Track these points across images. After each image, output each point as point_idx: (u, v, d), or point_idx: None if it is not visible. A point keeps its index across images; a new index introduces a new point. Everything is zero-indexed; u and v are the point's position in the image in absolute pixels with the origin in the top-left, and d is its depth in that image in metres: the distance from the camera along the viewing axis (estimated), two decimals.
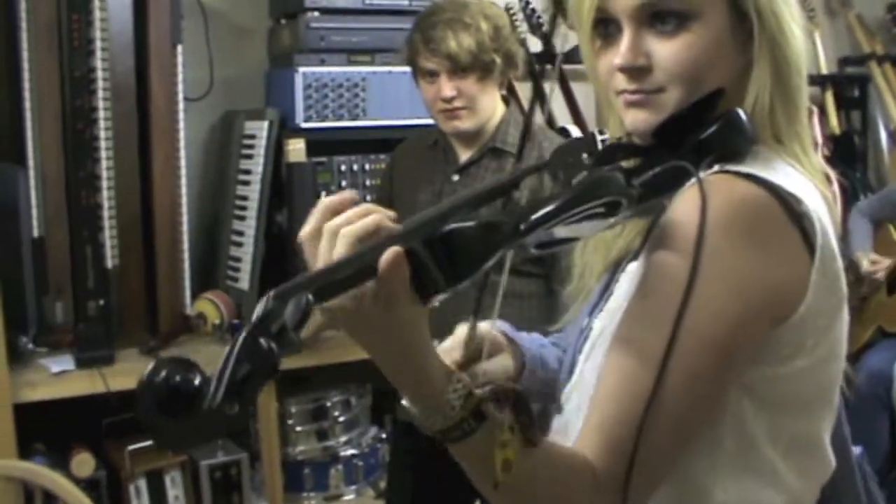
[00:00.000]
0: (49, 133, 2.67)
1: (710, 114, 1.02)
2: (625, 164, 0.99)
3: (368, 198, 2.82)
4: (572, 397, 1.11)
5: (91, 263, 2.70)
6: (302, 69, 2.91)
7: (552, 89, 3.27)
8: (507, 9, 3.16)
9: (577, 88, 3.41)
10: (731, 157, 1.01)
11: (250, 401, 0.79)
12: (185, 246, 2.86)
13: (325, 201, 0.91)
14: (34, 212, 2.66)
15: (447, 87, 2.25)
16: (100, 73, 2.66)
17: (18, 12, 2.63)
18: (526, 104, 3.27)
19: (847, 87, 4.40)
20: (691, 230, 0.93)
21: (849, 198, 3.98)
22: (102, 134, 2.67)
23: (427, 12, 2.33)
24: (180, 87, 2.81)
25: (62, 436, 2.66)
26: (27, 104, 2.64)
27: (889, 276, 3.76)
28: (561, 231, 0.90)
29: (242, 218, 2.95)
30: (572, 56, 3.43)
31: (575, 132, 3.20)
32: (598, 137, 1.03)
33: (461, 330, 1.14)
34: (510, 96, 2.49)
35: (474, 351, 1.13)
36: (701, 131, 1.01)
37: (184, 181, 2.84)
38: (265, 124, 2.89)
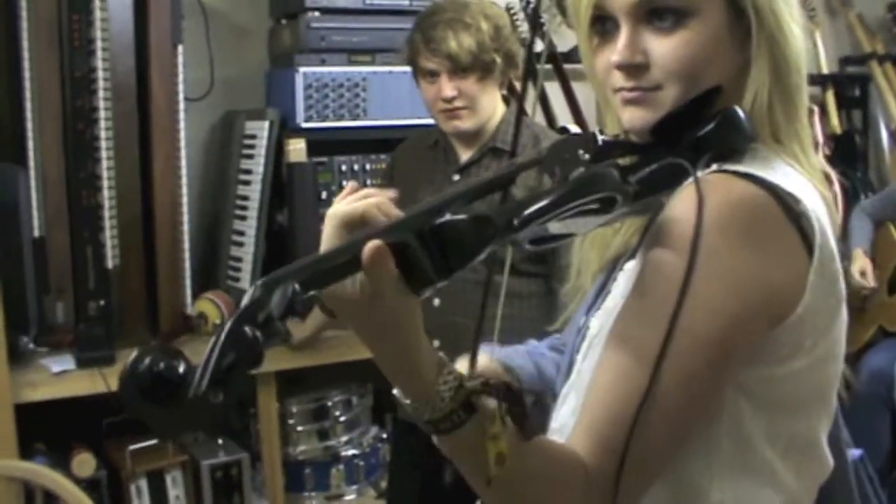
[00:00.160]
0: (49, 133, 2.67)
1: (708, 111, 1.02)
2: (622, 161, 0.99)
3: None
4: (570, 397, 1.11)
5: (92, 263, 2.69)
6: (302, 69, 2.91)
7: (538, 87, 3.25)
8: (508, 9, 3.16)
9: (578, 88, 3.41)
10: (729, 156, 1.01)
11: (235, 389, 0.79)
12: (186, 246, 2.85)
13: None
14: (35, 212, 2.66)
15: (448, 87, 2.25)
16: (100, 73, 2.65)
17: (19, 12, 2.62)
18: (527, 104, 3.27)
19: (848, 87, 4.40)
20: (688, 228, 0.93)
21: (850, 198, 3.98)
22: (103, 134, 2.66)
23: (427, 12, 2.33)
24: (181, 87, 2.81)
25: (63, 436, 2.66)
26: (28, 104, 2.64)
27: (890, 277, 3.76)
28: (555, 227, 0.89)
29: (243, 218, 2.95)
30: (573, 55, 3.44)
31: (575, 132, 3.19)
32: (599, 137, 1.03)
33: (461, 365, 1.14)
34: (511, 96, 2.49)
35: None
36: (698, 129, 1.01)
37: (184, 181, 2.84)
38: (266, 124, 2.89)
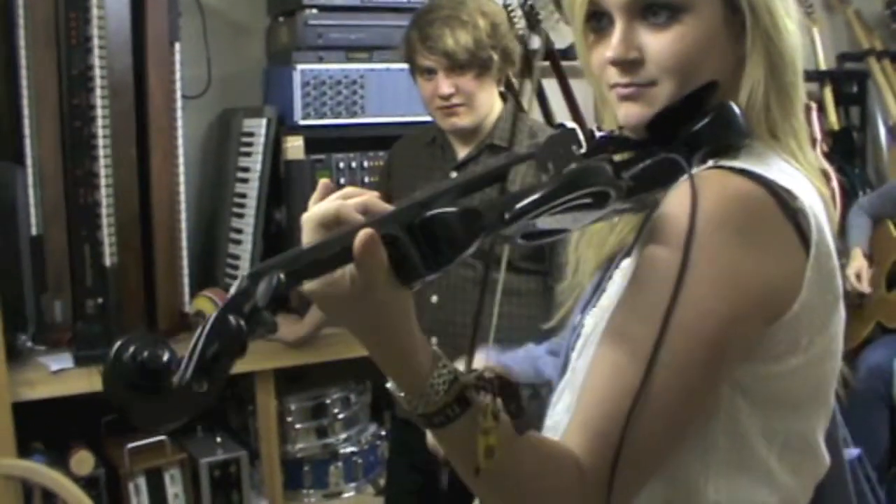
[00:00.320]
0: (47, 131, 2.67)
1: (703, 107, 1.02)
2: (616, 157, 0.99)
3: None
4: (564, 394, 1.11)
5: (89, 261, 2.69)
6: (300, 66, 2.91)
7: (535, 82, 3.26)
8: (506, 6, 3.16)
9: (576, 85, 3.41)
10: (725, 152, 1.00)
11: (220, 379, 0.79)
12: (184, 244, 2.86)
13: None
14: (32, 210, 2.66)
15: (445, 85, 2.25)
16: (98, 71, 2.65)
17: (16, 10, 2.62)
18: (525, 101, 3.27)
19: (846, 83, 4.40)
20: (683, 224, 0.93)
21: (847, 194, 3.98)
22: (100, 132, 2.66)
23: (424, 9, 2.33)
24: (178, 84, 2.80)
25: (61, 434, 2.66)
26: (25, 102, 2.64)
27: (888, 273, 3.76)
28: (547, 221, 0.89)
29: (241, 215, 2.95)
30: (571, 52, 3.44)
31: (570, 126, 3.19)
32: (597, 134, 1.02)
33: (461, 366, 1.13)
34: (508, 93, 2.49)
35: None
36: (693, 124, 1.00)
37: (182, 179, 2.84)
38: (263, 122, 2.89)
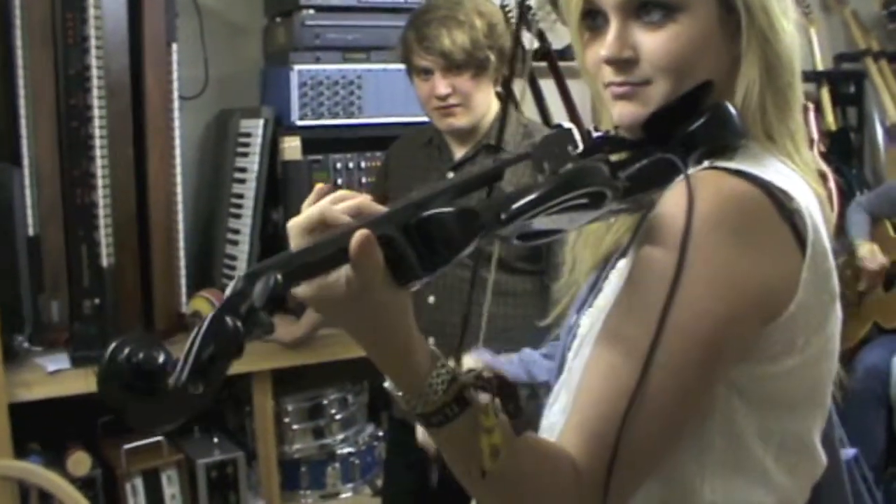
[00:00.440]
0: (44, 131, 2.67)
1: (699, 107, 1.01)
2: (612, 157, 0.99)
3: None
4: (561, 395, 1.11)
5: (86, 262, 2.69)
6: (297, 67, 2.91)
7: (522, 73, 3.25)
8: (503, 6, 3.16)
9: (573, 85, 3.41)
10: (721, 153, 1.00)
11: (216, 381, 0.79)
12: (181, 244, 2.85)
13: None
14: (29, 210, 2.66)
15: (441, 85, 2.25)
16: (94, 72, 2.65)
17: (13, 10, 2.62)
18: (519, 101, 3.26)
19: (843, 84, 4.41)
20: (679, 225, 0.92)
21: (845, 195, 3.98)
22: (97, 132, 2.66)
23: (421, 10, 2.33)
24: (175, 85, 2.80)
25: (58, 435, 2.65)
26: (21, 102, 2.64)
27: (886, 273, 3.76)
28: (543, 222, 0.89)
29: (238, 216, 2.95)
30: (568, 53, 3.44)
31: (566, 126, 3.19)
32: (595, 134, 1.02)
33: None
34: (508, 94, 2.48)
35: None
36: (689, 124, 1.00)
37: (179, 179, 2.84)
38: (260, 122, 2.89)
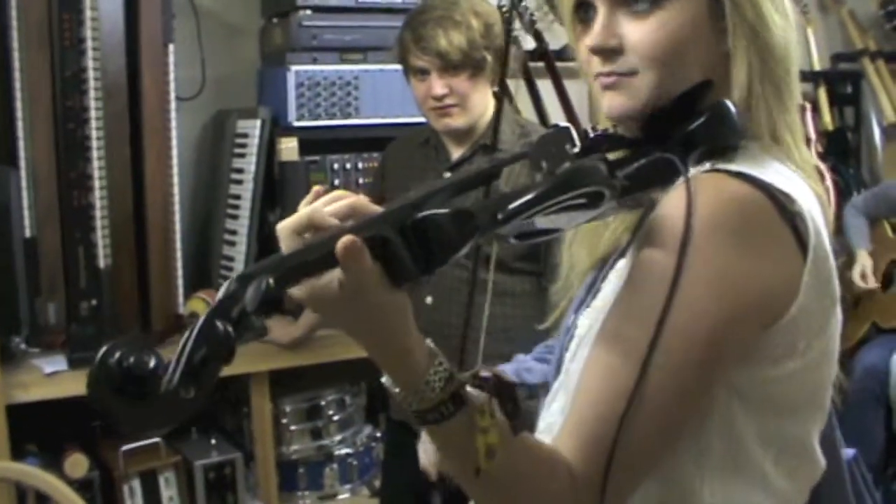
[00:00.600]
0: (40, 133, 2.66)
1: (699, 106, 1.01)
2: (611, 156, 0.98)
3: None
4: (558, 396, 1.11)
5: (83, 263, 2.69)
6: (294, 68, 2.91)
7: (516, 86, 3.26)
8: (500, 6, 3.15)
9: (571, 86, 3.40)
10: (721, 154, 1.00)
11: (207, 384, 0.78)
12: (178, 245, 2.85)
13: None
14: (26, 212, 2.65)
15: (438, 85, 2.25)
16: (91, 73, 2.65)
17: (9, 11, 2.62)
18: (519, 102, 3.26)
19: (840, 84, 4.41)
20: (679, 227, 0.92)
21: (842, 194, 3.99)
22: (94, 133, 2.66)
23: (418, 10, 2.33)
24: (172, 86, 2.80)
25: (55, 437, 2.65)
26: (18, 104, 2.63)
27: (884, 273, 3.77)
28: (542, 221, 0.88)
29: (235, 217, 2.95)
30: (565, 53, 3.43)
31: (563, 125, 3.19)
32: (590, 132, 1.02)
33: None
34: (502, 93, 2.48)
35: None
36: (688, 123, 1.00)
37: (176, 180, 2.83)
38: (257, 123, 2.89)
